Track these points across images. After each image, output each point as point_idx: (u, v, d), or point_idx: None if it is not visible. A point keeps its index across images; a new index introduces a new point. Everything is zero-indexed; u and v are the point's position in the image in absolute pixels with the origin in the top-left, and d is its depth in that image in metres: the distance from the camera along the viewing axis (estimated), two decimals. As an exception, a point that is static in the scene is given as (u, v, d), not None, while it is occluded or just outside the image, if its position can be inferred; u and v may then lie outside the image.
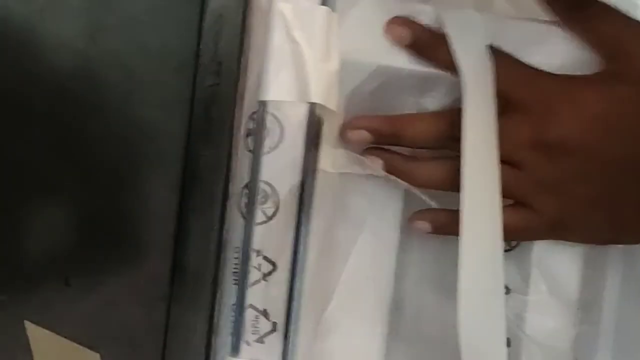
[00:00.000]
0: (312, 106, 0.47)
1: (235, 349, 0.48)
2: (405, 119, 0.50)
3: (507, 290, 0.53)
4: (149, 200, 0.53)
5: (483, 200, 0.48)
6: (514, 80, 0.49)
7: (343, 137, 0.50)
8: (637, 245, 0.55)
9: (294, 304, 0.48)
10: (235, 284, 0.49)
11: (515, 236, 0.51)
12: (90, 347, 0.53)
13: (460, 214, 0.47)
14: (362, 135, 0.50)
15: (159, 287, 0.53)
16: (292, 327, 0.47)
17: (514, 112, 0.49)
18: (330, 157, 0.49)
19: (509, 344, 0.52)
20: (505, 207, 0.49)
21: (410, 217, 0.51)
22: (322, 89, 0.47)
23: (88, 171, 0.52)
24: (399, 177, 0.50)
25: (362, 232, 0.52)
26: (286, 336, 0.48)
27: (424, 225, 0.51)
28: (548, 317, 0.53)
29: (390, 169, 0.50)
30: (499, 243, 0.48)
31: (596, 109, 0.49)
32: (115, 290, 0.53)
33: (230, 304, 0.50)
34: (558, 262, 0.53)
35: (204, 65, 0.52)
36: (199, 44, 0.52)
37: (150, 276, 0.54)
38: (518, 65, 0.50)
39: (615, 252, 0.56)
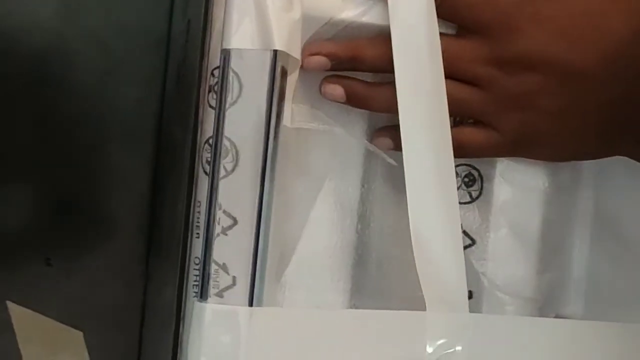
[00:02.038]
0: (275, 58, 0.47)
1: (204, 297, 0.48)
2: (363, 42, 0.50)
3: (472, 241, 0.53)
4: (124, 176, 0.53)
5: (425, 117, 0.48)
6: (472, 2, 0.49)
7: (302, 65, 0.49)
8: (607, 187, 0.56)
9: (255, 258, 0.48)
10: (197, 237, 0.49)
11: (477, 153, 0.52)
12: (73, 326, 0.54)
13: (402, 132, 0.48)
14: (321, 61, 0.49)
15: (137, 264, 0.54)
16: (252, 282, 0.47)
17: (474, 33, 0.49)
18: (290, 113, 0.49)
19: (471, 296, 0.52)
20: (465, 125, 0.50)
21: (374, 136, 0.52)
22: (285, 36, 0.46)
23: (64, 149, 0.53)
24: (359, 103, 0.50)
25: (324, 187, 0.52)
26: (246, 291, 0.48)
27: (385, 141, 0.51)
28: (510, 265, 0.53)
29: (350, 96, 0.50)
30: (447, 156, 0.48)
31: (558, 22, 0.49)
32: (95, 268, 0.54)
33: (193, 257, 0.50)
34: (520, 208, 0.53)
35: (175, 40, 0.52)
36: (171, 20, 0.52)
37: (127, 253, 0.54)
38: None
39: (584, 192, 0.56)
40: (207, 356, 0.45)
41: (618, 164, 0.54)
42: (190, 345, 0.46)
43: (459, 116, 0.51)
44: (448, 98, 0.49)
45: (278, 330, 0.47)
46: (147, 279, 0.55)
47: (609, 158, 0.53)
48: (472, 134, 0.51)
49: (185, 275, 0.50)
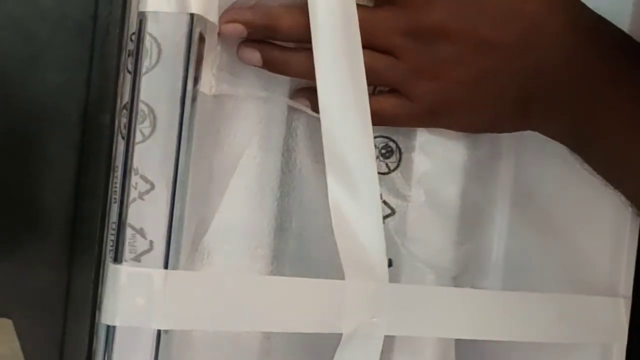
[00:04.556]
0: (192, 22, 0.47)
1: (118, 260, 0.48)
2: (280, 11, 0.50)
3: (392, 210, 0.53)
4: (50, 162, 0.53)
5: (343, 85, 0.49)
6: None
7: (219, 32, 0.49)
8: (526, 163, 0.57)
9: (170, 223, 0.48)
10: (115, 202, 0.49)
11: (394, 122, 0.52)
12: (2, 315, 0.54)
13: (319, 100, 0.49)
14: (237, 28, 0.49)
15: (63, 248, 0.54)
16: (167, 246, 0.47)
17: (391, 4, 0.50)
18: (208, 79, 0.49)
19: (390, 264, 0.53)
20: (379, 94, 0.51)
21: (294, 96, 0.52)
22: (202, 0, 0.46)
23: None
24: (276, 68, 0.50)
25: (244, 155, 0.52)
26: (162, 255, 0.48)
27: (304, 102, 0.52)
28: (428, 236, 0.54)
29: (267, 60, 0.50)
30: (365, 124, 0.49)
31: None
32: (22, 255, 0.54)
33: (111, 223, 0.50)
34: (439, 181, 0.54)
35: (101, 24, 0.52)
36: (97, 4, 0.52)
37: (54, 239, 0.54)
38: None
39: (503, 167, 0.57)
40: (122, 318, 0.45)
41: (536, 140, 0.55)
42: (104, 308, 0.46)
43: (376, 85, 0.52)
44: (365, 67, 0.49)
45: (192, 293, 0.47)
46: (71, 262, 0.55)
47: (526, 134, 0.54)
48: (388, 102, 0.51)
49: (104, 246, 0.50)
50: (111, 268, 0.46)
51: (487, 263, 0.58)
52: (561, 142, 0.54)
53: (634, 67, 0.53)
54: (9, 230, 0.54)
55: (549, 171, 0.57)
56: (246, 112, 0.52)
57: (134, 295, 0.45)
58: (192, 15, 0.46)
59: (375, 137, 0.53)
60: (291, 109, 0.53)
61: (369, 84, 0.50)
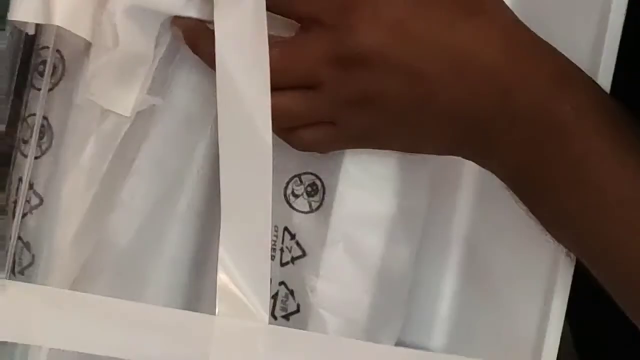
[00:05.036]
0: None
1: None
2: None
3: (302, 252, 0.51)
4: None
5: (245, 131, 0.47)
6: None
7: None
8: (464, 213, 0.54)
9: (52, 239, 0.48)
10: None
11: (317, 149, 0.50)
12: None
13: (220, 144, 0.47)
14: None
15: None
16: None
17: (312, 31, 0.47)
18: (122, 99, 0.49)
19: (298, 309, 0.50)
20: (304, 126, 0.48)
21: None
22: (69, 13, 0.46)
23: None
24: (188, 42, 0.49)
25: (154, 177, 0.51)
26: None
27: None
28: (340, 284, 0.50)
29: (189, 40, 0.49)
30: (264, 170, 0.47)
31: (398, 15, 0.46)
32: None
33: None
34: (360, 228, 0.50)
35: None
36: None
37: None
38: None
39: (439, 218, 0.54)
40: None
41: (488, 189, 0.51)
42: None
43: (298, 125, 0.49)
44: (279, 111, 0.47)
45: (29, 307, 0.46)
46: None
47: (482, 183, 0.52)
48: (310, 133, 0.49)
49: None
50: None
51: (430, 320, 0.54)
52: (498, 177, 0.49)
53: (586, 110, 0.47)
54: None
55: (499, 224, 0.53)
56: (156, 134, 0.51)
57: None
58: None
59: (303, 174, 0.51)
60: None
61: (291, 126, 0.48)
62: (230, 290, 0.47)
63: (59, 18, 0.46)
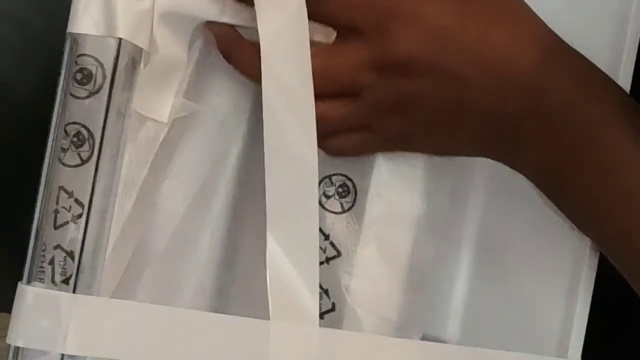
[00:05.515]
0: (119, 46, 0.47)
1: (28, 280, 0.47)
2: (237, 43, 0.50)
3: (337, 252, 0.52)
4: None
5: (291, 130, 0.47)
6: (345, 4, 0.48)
7: None
8: (491, 213, 0.55)
9: (95, 248, 0.48)
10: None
11: (351, 154, 0.51)
12: (3, 310, 0.54)
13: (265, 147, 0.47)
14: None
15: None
16: (77, 270, 0.47)
17: (352, 38, 0.48)
18: (159, 105, 0.49)
19: (334, 308, 0.51)
20: (339, 132, 0.50)
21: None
22: (131, 25, 0.46)
23: None
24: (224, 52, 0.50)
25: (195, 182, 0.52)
26: (92, 279, 0.48)
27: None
28: (374, 282, 0.52)
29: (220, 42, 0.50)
30: (310, 173, 0.48)
31: (438, 22, 0.48)
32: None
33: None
34: (391, 227, 0.52)
35: None
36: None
37: None
38: None
39: (465, 217, 0.55)
40: (25, 339, 0.45)
41: (504, 190, 0.53)
42: (10, 329, 0.46)
43: (335, 132, 0.50)
44: (318, 119, 0.48)
45: (101, 320, 0.46)
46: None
47: (495, 184, 0.53)
48: (345, 139, 0.50)
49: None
50: (19, 289, 0.46)
51: (446, 315, 0.56)
52: (528, 178, 0.51)
53: (615, 114, 0.49)
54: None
55: (513, 221, 0.55)
56: (197, 141, 0.51)
57: (39, 318, 0.45)
58: (120, 39, 0.46)
59: (333, 175, 0.52)
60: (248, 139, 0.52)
61: (334, 132, 0.49)
62: (284, 293, 0.47)
63: (122, 30, 0.46)
